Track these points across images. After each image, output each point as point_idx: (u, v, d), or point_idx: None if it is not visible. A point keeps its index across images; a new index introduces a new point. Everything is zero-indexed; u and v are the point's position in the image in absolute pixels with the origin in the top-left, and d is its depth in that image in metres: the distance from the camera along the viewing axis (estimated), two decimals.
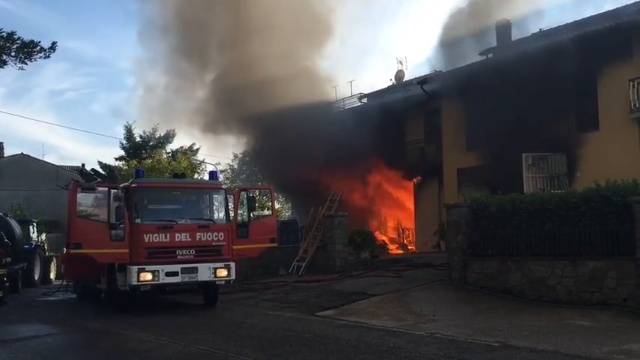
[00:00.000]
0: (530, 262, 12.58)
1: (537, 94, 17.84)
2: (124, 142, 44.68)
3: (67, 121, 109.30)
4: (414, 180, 24.77)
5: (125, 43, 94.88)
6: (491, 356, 8.09)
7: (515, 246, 12.96)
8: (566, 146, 18.26)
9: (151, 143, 44.69)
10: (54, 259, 25.69)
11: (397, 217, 26.12)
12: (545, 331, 9.68)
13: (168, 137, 45.31)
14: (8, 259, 16.02)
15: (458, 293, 13.42)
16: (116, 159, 43.62)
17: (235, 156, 41.09)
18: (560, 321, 10.49)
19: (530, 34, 22.17)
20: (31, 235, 23.88)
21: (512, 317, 10.96)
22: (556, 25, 21.07)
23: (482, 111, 19.30)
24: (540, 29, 22.23)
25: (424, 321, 10.95)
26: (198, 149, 45.26)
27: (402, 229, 25.82)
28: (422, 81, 23.52)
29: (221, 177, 34.65)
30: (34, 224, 25.15)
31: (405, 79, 28.62)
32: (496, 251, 13.39)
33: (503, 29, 23.13)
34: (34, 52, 16.38)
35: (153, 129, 44.74)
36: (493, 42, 23.15)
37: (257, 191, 21.73)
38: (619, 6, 19.39)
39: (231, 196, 14.78)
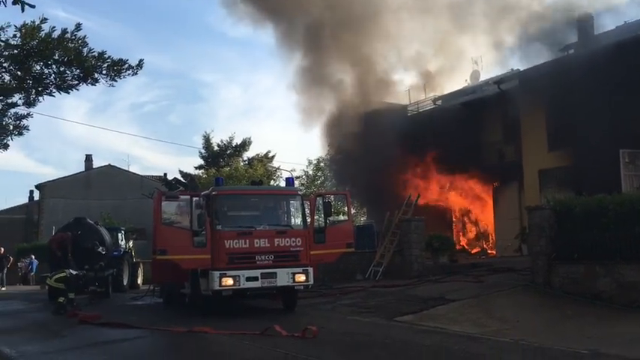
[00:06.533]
0: (620, 266, 11.96)
1: (624, 89, 16.95)
2: (203, 151, 46.14)
3: (149, 133, 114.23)
4: (494, 183, 24.13)
5: (198, 55, 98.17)
6: None
7: (602, 249, 12.35)
8: None
9: (229, 152, 45.89)
10: (141, 264, 26.86)
11: (477, 220, 25.52)
12: (639, 339, 9.18)
13: (245, 145, 46.39)
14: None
15: (542, 299, 12.95)
16: (196, 168, 45.18)
17: (310, 162, 41.52)
18: None
19: (614, 27, 21.15)
20: (120, 242, 25.05)
21: (602, 324, 10.46)
22: None
23: (564, 109, 18.55)
24: (625, 21, 21.18)
25: (507, 327, 10.64)
26: (273, 156, 46.04)
27: (482, 233, 25.20)
28: (498, 80, 22.92)
29: (297, 183, 35.11)
30: (122, 232, 26.34)
31: (481, 79, 28.04)
32: (582, 255, 12.83)
33: (585, 23, 22.16)
34: (123, 69, 17.04)
35: (230, 137, 45.96)
36: (574, 37, 22.24)
37: (332, 197, 21.86)
38: None
39: (308, 202, 14.95)
